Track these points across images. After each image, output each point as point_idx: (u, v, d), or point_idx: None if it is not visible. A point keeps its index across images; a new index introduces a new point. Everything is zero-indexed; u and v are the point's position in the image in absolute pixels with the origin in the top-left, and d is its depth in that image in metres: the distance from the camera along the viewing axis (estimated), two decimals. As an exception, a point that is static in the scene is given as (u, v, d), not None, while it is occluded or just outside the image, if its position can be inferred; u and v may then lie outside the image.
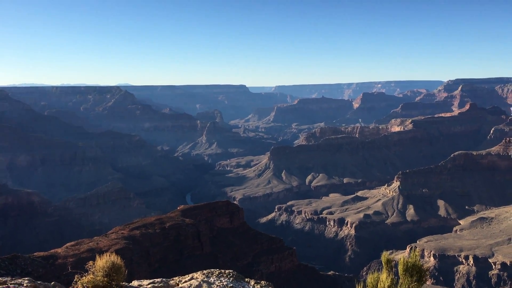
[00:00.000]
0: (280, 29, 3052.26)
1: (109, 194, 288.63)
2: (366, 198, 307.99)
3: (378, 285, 14.35)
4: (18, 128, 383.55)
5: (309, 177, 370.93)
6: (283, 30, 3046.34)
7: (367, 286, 14.58)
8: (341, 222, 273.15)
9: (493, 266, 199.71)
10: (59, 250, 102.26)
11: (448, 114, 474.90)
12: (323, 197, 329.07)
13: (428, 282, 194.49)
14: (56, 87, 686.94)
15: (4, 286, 13.31)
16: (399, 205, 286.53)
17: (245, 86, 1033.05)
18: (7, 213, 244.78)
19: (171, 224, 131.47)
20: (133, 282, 16.20)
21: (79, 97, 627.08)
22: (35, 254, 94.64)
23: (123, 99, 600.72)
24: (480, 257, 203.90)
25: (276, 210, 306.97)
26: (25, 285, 13.61)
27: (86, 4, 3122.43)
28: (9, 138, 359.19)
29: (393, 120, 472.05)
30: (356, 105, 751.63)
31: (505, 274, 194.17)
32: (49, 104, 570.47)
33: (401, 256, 14.79)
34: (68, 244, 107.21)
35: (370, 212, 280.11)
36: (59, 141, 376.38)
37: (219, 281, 16.05)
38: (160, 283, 15.88)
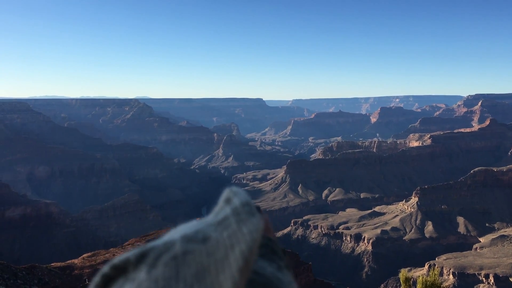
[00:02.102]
0: (298, 44, 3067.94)
1: (125, 206, 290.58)
2: (383, 214, 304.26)
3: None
4: (38, 139, 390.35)
5: (326, 191, 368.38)
6: (301, 44, 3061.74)
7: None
8: (357, 238, 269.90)
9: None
10: (75, 261, 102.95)
11: (467, 130, 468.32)
12: (340, 212, 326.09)
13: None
14: (76, 100, 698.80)
15: None
16: (418, 221, 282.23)
17: (262, 99, 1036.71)
18: (26, 223, 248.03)
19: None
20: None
21: (98, 110, 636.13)
22: (52, 264, 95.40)
23: (141, 111, 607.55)
24: (501, 276, 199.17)
25: (292, 224, 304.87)
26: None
27: (106, 19, 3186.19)
28: (29, 149, 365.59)
29: (411, 135, 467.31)
30: (373, 119, 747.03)
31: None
32: (69, 116, 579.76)
33: (420, 274, 14.50)
34: (84, 255, 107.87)
35: (387, 228, 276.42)
36: (78, 153, 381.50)
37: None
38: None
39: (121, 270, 2.29)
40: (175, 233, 2.45)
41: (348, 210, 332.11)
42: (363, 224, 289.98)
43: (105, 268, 2.30)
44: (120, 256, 2.34)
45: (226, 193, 3.00)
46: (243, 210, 2.81)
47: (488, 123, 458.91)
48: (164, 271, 2.23)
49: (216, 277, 2.29)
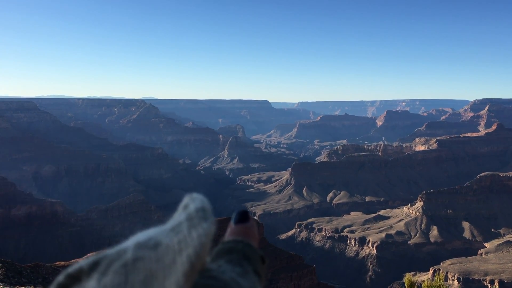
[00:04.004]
0: (304, 46, 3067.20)
1: (130, 206, 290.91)
2: (388, 218, 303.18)
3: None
4: (44, 138, 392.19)
5: (331, 194, 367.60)
6: (307, 47, 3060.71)
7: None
8: (362, 241, 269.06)
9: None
10: (80, 260, 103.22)
11: (474, 134, 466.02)
12: (344, 215, 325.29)
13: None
14: (83, 99, 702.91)
15: None
16: (423, 226, 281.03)
17: (268, 101, 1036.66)
18: (31, 222, 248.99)
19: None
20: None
21: (105, 110, 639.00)
22: (56, 263, 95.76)
23: (147, 112, 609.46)
24: (506, 281, 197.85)
25: (296, 227, 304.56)
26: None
27: (113, 19, 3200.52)
28: (36, 148, 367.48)
29: (417, 139, 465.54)
30: (379, 123, 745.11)
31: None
32: (75, 115, 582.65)
33: (425, 279, 14.39)
34: (89, 254, 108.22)
35: (392, 232, 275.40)
36: (84, 152, 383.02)
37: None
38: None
39: (75, 279, 2.31)
40: (130, 240, 2.48)
41: (352, 213, 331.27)
42: (368, 227, 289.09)
43: (60, 277, 2.31)
44: (75, 264, 2.37)
45: (185, 199, 3.02)
46: (196, 215, 2.85)
47: (494, 128, 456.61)
48: (114, 279, 2.26)
49: (162, 282, 2.33)
